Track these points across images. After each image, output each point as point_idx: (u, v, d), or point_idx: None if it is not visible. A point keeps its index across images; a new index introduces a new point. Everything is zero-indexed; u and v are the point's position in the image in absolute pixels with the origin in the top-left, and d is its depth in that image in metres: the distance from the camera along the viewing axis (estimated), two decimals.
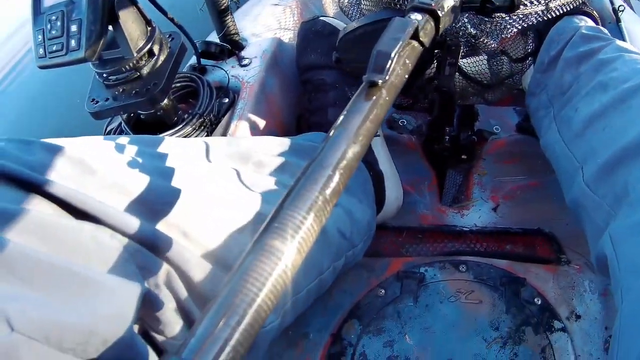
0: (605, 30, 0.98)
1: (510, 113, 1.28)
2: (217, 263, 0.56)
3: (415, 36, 0.55)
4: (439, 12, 0.60)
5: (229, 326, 0.29)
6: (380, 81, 0.49)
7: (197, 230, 0.55)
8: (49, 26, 0.72)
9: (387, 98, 0.49)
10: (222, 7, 1.05)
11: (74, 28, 0.70)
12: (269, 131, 1.04)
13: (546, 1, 0.86)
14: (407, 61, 0.53)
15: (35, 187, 0.44)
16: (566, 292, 0.90)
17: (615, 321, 0.61)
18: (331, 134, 0.43)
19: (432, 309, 0.90)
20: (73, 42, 0.70)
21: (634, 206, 0.63)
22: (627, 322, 0.58)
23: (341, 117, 0.45)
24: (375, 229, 0.97)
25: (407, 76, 0.52)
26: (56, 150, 0.49)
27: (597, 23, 1.10)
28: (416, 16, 0.58)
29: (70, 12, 0.71)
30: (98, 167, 0.50)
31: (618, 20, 1.16)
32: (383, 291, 0.93)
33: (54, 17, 0.72)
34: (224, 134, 0.94)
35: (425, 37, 0.57)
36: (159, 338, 0.47)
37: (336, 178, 0.39)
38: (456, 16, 0.67)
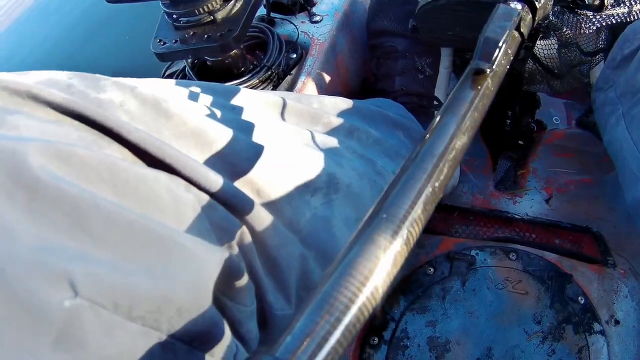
0: None
1: (571, 106, 1.25)
2: (288, 225, 0.51)
3: (517, 26, 0.54)
4: (536, 3, 0.59)
5: (327, 325, 0.25)
6: (488, 70, 0.46)
7: (270, 188, 0.50)
8: None
9: (492, 88, 0.47)
10: None
11: None
12: (335, 91, 1.01)
13: (631, 5, 0.83)
14: (509, 51, 0.51)
15: (106, 128, 0.39)
16: (609, 295, 0.87)
17: None
18: (438, 121, 0.41)
19: (478, 294, 0.87)
20: None
21: None
22: None
23: (447, 104, 0.43)
24: None
25: (508, 67, 0.50)
26: (129, 89, 0.45)
27: None
28: (517, 5, 0.56)
29: None
30: (174, 112, 0.46)
31: None
32: (432, 270, 0.91)
33: None
34: (290, 89, 0.91)
35: (525, 28, 0.57)
36: (229, 304, 0.42)
37: (445, 169, 0.36)
38: (550, 10, 0.65)
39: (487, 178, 1.11)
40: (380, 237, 0.29)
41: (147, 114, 0.44)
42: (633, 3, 0.81)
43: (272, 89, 0.89)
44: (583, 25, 0.86)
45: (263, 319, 0.48)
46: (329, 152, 0.62)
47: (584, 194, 1.06)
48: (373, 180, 0.68)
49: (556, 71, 1.05)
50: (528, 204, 1.05)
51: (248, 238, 0.46)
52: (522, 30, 0.56)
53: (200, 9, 0.73)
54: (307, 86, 0.94)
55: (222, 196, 0.44)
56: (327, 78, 1.01)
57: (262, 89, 0.85)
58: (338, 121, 0.70)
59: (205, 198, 0.43)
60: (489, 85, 0.46)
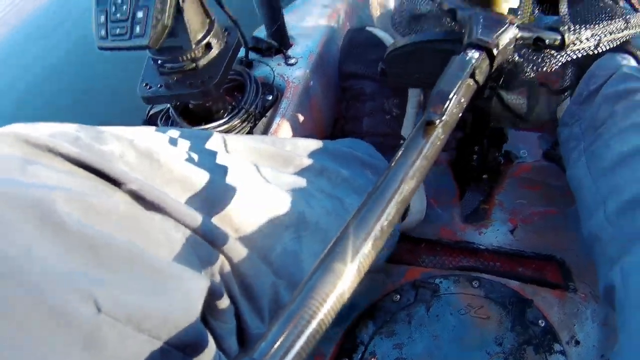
0: None
1: (539, 140, 1.30)
2: (262, 258, 0.60)
3: (471, 75, 0.59)
4: (494, 50, 0.64)
5: (294, 334, 0.33)
6: (437, 121, 0.52)
7: (245, 226, 0.59)
8: (113, 8, 0.74)
9: (442, 136, 0.52)
10: (274, 4, 1.08)
11: (140, 14, 0.72)
12: (309, 132, 1.07)
13: (596, 41, 0.87)
14: (462, 100, 0.56)
15: (110, 178, 0.48)
16: (570, 317, 0.93)
17: (615, 350, 0.64)
18: (391, 167, 0.47)
19: (442, 319, 0.94)
20: (138, 29, 0.72)
21: None
22: (627, 353, 0.62)
23: (399, 152, 0.49)
24: (399, 236, 1.01)
25: (460, 114, 0.56)
26: (127, 142, 0.53)
27: (639, 62, 1.11)
28: (473, 54, 0.61)
29: None
30: (164, 161, 0.54)
31: None
32: (398, 297, 0.97)
33: (119, 1, 0.74)
34: (266, 130, 0.97)
35: (481, 76, 0.61)
36: (212, 321, 0.52)
37: (393, 211, 0.43)
38: (509, 53, 0.70)
39: (454, 211, 1.17)
40: (337, 266, 0.37)
41: (142, 164, 0.52)
42: (601, 36, 0.84)
43: (250, 130, 0.95)
44: (547, 63, 0.89)
45: (241, 337, 0.57)
46: (299, 192, 0.70)
47: (549, 224, 1.12)
48: (341, 216, 0.75)
49: (520, 111, 1.09)
50: (493, 235, 1.11)
51: (227, 267, 0.55)
52: (477, 77, 0.60)
53: (184, 57, 0.81)
54: (282, 127, 0.99)
55: (203, 233, 0.52)
56: (301, 119, 1.05)
57: (240, 130, 0.92)
58: (309, 162, 0.77)
59: (191, 234, 0.52)
60: (439, 134, 0.51)
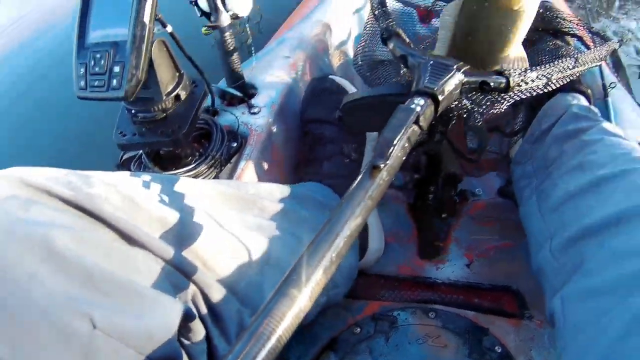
0: (596, 110, 1.04)
1: (493, 177, 1.36)
2: (228, 289, 0.68)
3: (416, 121, 0.63)
4: (439, 96, 0.68)
5: (255, 349, 0.40)
6: (382, 165, 0.57)
7: (213, 260, 0.67)
8: (92, 62, 0.80)
9: (386, 178, 0.57)
10: (235, 61, 1.16)
11: (116, 69, 0.79)
12: (271, 177, 1.13)
13: (545, 80, 0.89)
14: (406, 145, 0.61)
15: (100, 217, 0.56)
16: (526, 343, 0.97)
17: None
18: (340, 205, 0.53)
19: (401, 349, 0.98)
20: (115, 82, 0.79)
21: (585, 275, 0.72)
22: None
23: (348, 193, 0.54)
24: (356, 274, 1.06)
25: (404, 157, 0.61)
26: (112, 187, 0.61)
27: (589, 101, 1.14)
28: (419, 101, 0.66)
29: (115, 53, 0.79)
30: (142, 204, 0.62)
31: (606, 95, 1.23)
32: (359, 329, 1.02)
33: (98, 55, 0.80)
34: (231, 175, 1.03)
35: (425, 122, 0.65)
36: (185, 342, 0.60)
37: (341, 244, 0.49)
38: (454, 98, 0.74)
39: (412, 248, 1.22)
40: (292, 291, 0.44)
41: (125, 206, 0.60)
42: (549, 76, 0.86)
43: (216, 175, 1.01)
44: (495, 105, 0.91)
45: (211, 358, 0.64)
46: (262, 232, 0.77)
47: (504, 257, 1.17)
48: (299, 251, 0.83)
49: (471, 151, 1.16)
50: (450, 269, 1.17)
51: (198, 295, 0.63)
52: (421, 123, 0.64)
53: (155, 107, 0.88)
54: (246, 172, 1.05)
55: (176, 265, 0.61)
56: (264, 164, 1.11)
57: (207, 175, 0.99)
58: (271, 204, 0.84)
59: (166, 266, 0.60)
60: (384, 176, 0.56)
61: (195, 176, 0.98)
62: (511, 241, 1.19)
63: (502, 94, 0.81)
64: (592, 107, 1.06)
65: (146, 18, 0.79)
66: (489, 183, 1.36)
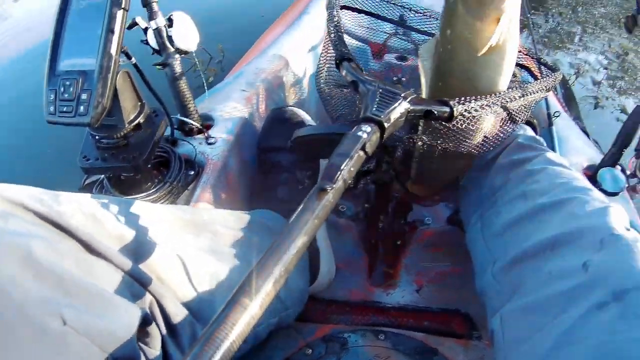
0: (542, 140, 1.09)
1: (443, 206, 1.43)
2: (182, 303, 0.74)
3: (362, 148, 0.67)
4: (385, 123, 0.72)
5: (209, 353, 0.45)
6: (329, 188, 0.61)
7: (167, 276, 0.73)
8: (62, 89, 0.85)
9: (332, 200, 0.61)
10: (186, 96, 1.21)
11: (84, 96, 0.84)
12: (227, 203, 1.17)
13: (491, 110, 0.91)
14: (352, 169, 0.65)
15: (67, 230, 0.62)
16: None
17: None
18: (288, 224, 0.57)
19: None
20: (82, 108, 0.84)
21: (522, 295, 0.78)
22: None
23: (296, 213, 0.58)
24: (307, 297, 1.10)
25: (349, 181, 0.65)
26: (76, 203, 0.67)
27: (535, 131, 1.21)
28: (366, 127, 0.70)
29: (83, 81, 0.85)
30: (104, 222, 0.69)
31: (550, 124, 1.31)
32: (310, 350, 1.06)
33: (67, 83, 0.85)
34: (188, 201, 1.09)
35: (370, 148, 0.69)
36: (143, 346, 0.66)
37: (289, 259, 0.54)
38: (400, 125, 0.77)
39: (363, 274, 1.28)
40: (244, 300, 0.49)
41: (88, 223, 0.66)
42: (495, 104, 0.87)
43: (173, 201, 1.06)
44: (442, 134, 0.93)
45: None
46: (214, 254, 0.83)
47: (453, 281, 1.23)
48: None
49: (417, 180, 1.19)
50: (400, 295, 1.22)
51: (155, 305, 0.69)
52: (367, 149, 0.68)
53: (118, 134, 0.93)
54: (203, 199, 1.09)
55: (135, 275, 0.67)
56: (220, 192, 1.15)
57: (164, 201, 1.03)
58: (224, 230, 0.89)
59: (126, 277, 0.66)
60: (329, 198, 0.60)
61: (154, 201, 1.02)
62: (460, 267, 1.25)
63: (447, 123, 0.85)
64: (538, 137, 1.12)
65: (113, 50, 0.85)
66: (438, 212, 1.42)
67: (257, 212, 1.06)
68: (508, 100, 0.88)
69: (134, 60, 0.93)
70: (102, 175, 1.04)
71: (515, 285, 0.81)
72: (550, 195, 0.88)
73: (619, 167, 1.21)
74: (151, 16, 1.11)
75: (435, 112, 0.81)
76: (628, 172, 1.23)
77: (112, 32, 0.85)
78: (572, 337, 0.66)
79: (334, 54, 0.93)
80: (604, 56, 3.68)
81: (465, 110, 0.83)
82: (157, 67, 1.14)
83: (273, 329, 0.97)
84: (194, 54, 1.23)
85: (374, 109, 0.75)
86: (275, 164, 1.23)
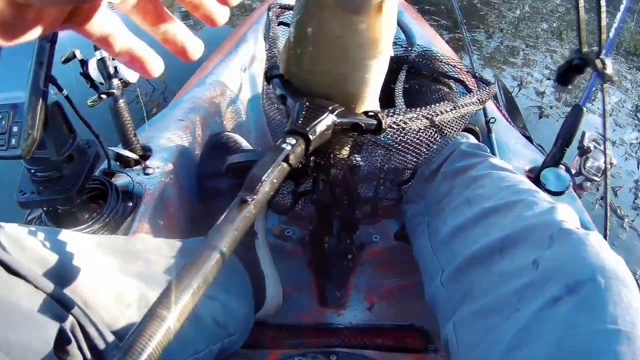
0: (485, 147, 1.12)
1: (389, 223, 1.46)
2: (108, 328, 0.75)
3: (285, 159, 0.69)
4: (310, 136, 0.74)
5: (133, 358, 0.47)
6: (249, 199, 0.62)
7: (93, 300, 0.74)
8: None
9: (253, 211, 0.62)
10: (127, 126, 1.23)
11: (15, 129, 0.85)
12: (166, 232, 1.18)
13: (425, 123, 0.93)
14: (275, 181, 0.67)
15: None
16: None
17: None
18: (209, 235, 0.58)
19: None
20: (13, 141, 0.85)
21: (473, 299, 0.80)
22: None
23: (217, 224, 0.60)
24: (253, 322, 1.11)
25: (272, 193, 0.66)
26: (1, 230, 0.70)
27: (478, 138, 1.26)
28: (290, 140, 0.72)
29: (14, 114, 0.86)
30: (28, 246, 0.71)
31: (489, 131, 1.36)
32: None
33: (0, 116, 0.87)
34: (127, 232, 1.11)
35: (294, 160, 0.71)
36: None
37: (207, 271, 0.55)
38: (326, 138, 0.79)
39: (313, 297, 1.30)
40: (162, 312, 0.50)
41: (11, 246, 0.68)
42: (430, 115, 0.90)
43: (112, 233, 1.07)
44: (372, 149, 0.96)
45: None
46: (144, 281, 0.84)
47: (405, 296, 1.26)
48: None
49: (365, 201, 1.22)
50: (352, 314, 1.25)
51: (78, 329, 0.70)
52: (291, 161, 0.69)
53: (50, 167, 0.94)
54: (142, 229, 1.11)
55: (57, 299, 0.68)
56: (158, 221, 1.17)
57: (103, 233, 1.05)
58: (157, 258, 0.90)
59: (48, 299, 0.67)
60: (250, 209, 0.62)
61: (92, 234, 1.03)
62: (410, 281, 1.28)
63: (376, 135, 0.86)
64: (481, 144, 1.15)
65: (41, 82, 0.87)
66: (386, 228, 1.46)
67: (194, 240, 1.07)
68: (438, 113, 0.91)
69: (65, 92, 0.96)
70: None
71: (466, 291, 0.83)
72: (496, 199, 0.91)
73: (562, 167, 1.27)
74: (97, 46, 1.12)
75: (363, 125, 0.83)
76: (573, 171, 1.29)
77: (41, 64, 0.87)
78: (528, 335, 0.67)
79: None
80: (547, 68, 3.83)
81: (394, 122, 0.86)
82: (92, 102, 1.15)
83: (219, 357, 0.97)
84: (136, 86, 1.25)
85: (299, 122, 0.77)
86: (214, 189, 1.25)
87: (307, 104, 0.80)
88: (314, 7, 0.77)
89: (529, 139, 1.53)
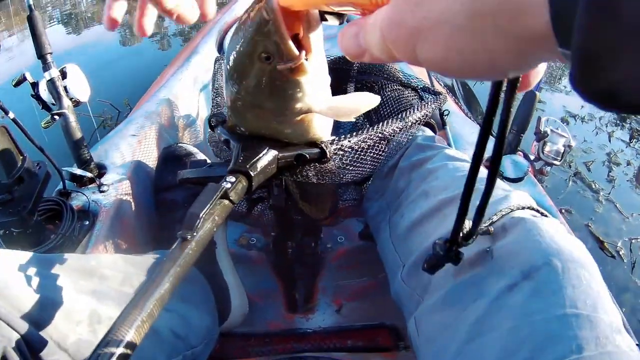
0: (440, 138, 1.15)
1: (353, 223, 1.50)
2: (57, 344, 0.76)
3: (225, 196, 0.73)
4: (251, 172, 0.78)
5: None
6: (189, 237, 0.65)
7: (40, 317, 0.75)
8: None
9: (195, 249, 0.65)
10: (81, 145, 1.27)
11: None
12: (124, 248, 1.21)
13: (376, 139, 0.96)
14: (217, 217, 0.70)
15: None
16: None
17: None
18: (154, 272, 0.62)
19: None
20: None
21: (430, 294, 0.83)
22: None
23: (161, 262, 0.63)
24: (217, 333, 1.13)
25: (215, 229, 0.70)
26: None
27: (435, 131, 1.28)
28: (230, 178, 0.75)
29: None
30: None
31: (444, 124, 1.39)
32: None
33: None
34: (84, 251, 1.13)
35: (236, 196, 0.74)
36: None
37: (151, 306, 0.59)
38: (272, 172, 0.83)
39: (280, 304, 1.33)
40: (120, 333, 0.55)
41: None
42: (370, 138, 0.93)
43: (69, 252, 1.06)
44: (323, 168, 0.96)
45: None
46: (97, 296, 0.86)
47: (373, 295, 1.29)
48: None
49: (312, 202, 1.20)
50: (320, 318, 1.28)
51: (23, 346, 0.72)
52: (232, 198, 0.73)
53: (1, 190, 0.97)
54: (98, 247, 1.13)
55: (3, 319, 0.71)
56: (115, 238, 1.19)
57: (59, 252, 1.05)
58: (112, 273, 0.92)
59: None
60: (193, 246, 0.64)
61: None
62: (378, 280, 1.32)
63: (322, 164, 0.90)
64: (436, 136, 1.18)
65: None
66: (350, 229, 1.49)
67: (153, 253, 1.09)
68: (382, 133, 0.95)
69: (12, 115, 0.99)
70: None
71: (425, 285, 0.86)
72: (451, 189, 0.93)
73: (520, 153, 1.30)
74: (45, 67, 1.18)
75: (307, 155, 0.86)
76: (532, 157, 1.33)
77: None
78: (484, 326, 0.69)
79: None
80: None
81: (339, 149, 0.89)
82: (45, 124, 1.19)
83: None
84: (87, 106, 1.29)
85: (240, 160, 0.80)
86: (171, 202, 1.29)
87: (249, 143, 0.84)
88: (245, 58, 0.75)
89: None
